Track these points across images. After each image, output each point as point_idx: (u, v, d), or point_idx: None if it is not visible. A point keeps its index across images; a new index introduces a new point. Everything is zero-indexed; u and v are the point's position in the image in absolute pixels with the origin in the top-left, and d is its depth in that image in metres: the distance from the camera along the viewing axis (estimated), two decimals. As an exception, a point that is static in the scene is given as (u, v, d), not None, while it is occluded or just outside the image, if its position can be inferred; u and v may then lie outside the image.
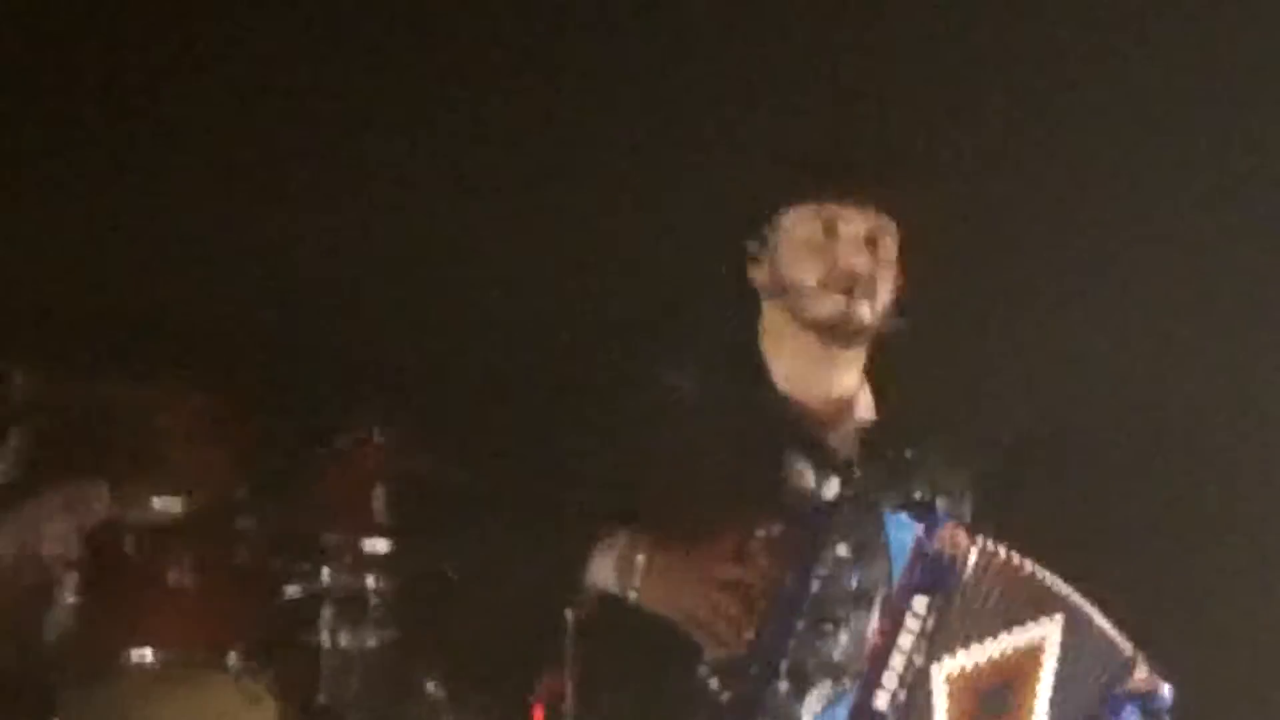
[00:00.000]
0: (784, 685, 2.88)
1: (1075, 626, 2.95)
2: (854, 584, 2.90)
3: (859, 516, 2.94)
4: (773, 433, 3.16)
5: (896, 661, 2.90)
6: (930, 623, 2.90)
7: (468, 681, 4.26)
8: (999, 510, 3.29)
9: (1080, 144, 4.51)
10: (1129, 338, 4.49)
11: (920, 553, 2.92)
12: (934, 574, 2.92)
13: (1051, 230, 4.54)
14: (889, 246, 3.22)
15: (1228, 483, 4.51)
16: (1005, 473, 3.49)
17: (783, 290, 3.22)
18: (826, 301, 3.17)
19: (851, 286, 3.16)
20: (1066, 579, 3.00)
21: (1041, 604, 2.96)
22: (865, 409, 3.28)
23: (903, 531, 2.93)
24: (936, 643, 2.91)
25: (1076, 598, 2.98)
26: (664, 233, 4.42)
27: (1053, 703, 2.93)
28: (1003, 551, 2.95)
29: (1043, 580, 2.96)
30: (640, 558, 3.03)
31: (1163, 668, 3.03)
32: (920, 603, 2.91)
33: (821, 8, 4.50)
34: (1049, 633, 2.94)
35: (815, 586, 2.90)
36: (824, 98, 4.43)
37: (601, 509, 3.10)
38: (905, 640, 2.90)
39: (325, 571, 4.18)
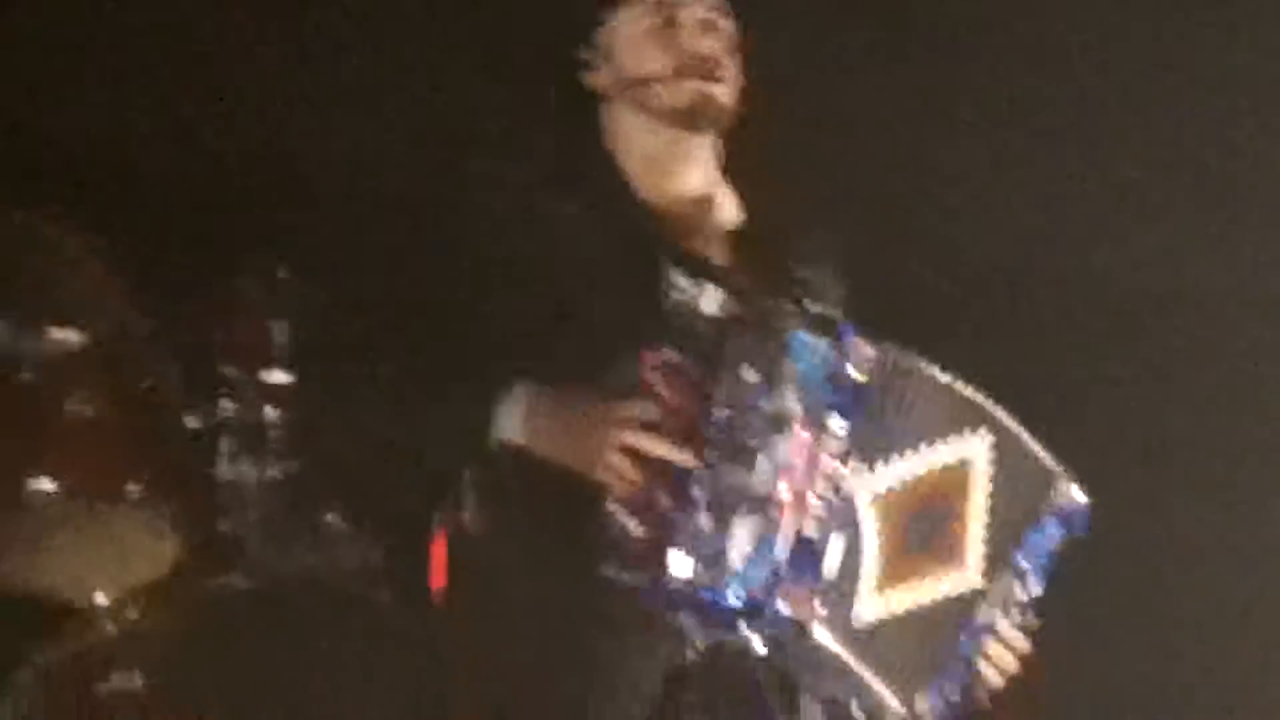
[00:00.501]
0: (704, 519, 2.76)
1: (1002, 443, 2.85)
2: (765, 409, 2.78)
3: (760, 337, 2.81)
4: (643, 244, 3.04)
5: (818, 484, 2.79)
6: (848, 442, 2.80)
7: (368, 514, 4.29)
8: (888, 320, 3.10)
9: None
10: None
11: (831, 371, 2.81)
12: (846, 392, 2.81)
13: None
14: (729, 28, 3.14)
15: (1130, 302, 4.48)
16: (882, 278, 3.35)
17: (628, 87, 3.12)
18: (682, 88, 3.09)
19: (703, 70, 3.08)
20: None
21: (964, 418, 2.84)
22: (729, 209, 3.18)
23: (809, 351, 2.80)
24: (859, 462, 2.81)
25: (1001, 413, 2.87)
26: (496, 48, 4.34)
27: (987, 527, 2.85)
28: (916, 362, 2.85)
29: (963, 392, 2.85)
30: (541, 411, 2.96)
31: (1080, 482, 2.92)
32: (837, 422, 2.80)
33: None
34: (976, 450, 2.84)
35: (720, 413, 2.78)
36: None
37: (491, 345, 3.01)
38: (825, 462, 2.79)
39: (225, 403, 4.18)
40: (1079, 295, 4.48)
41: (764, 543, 2.75)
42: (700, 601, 2.76)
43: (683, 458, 2.77)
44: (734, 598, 2.75)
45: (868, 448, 2.80)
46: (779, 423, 2.76)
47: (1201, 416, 4.47)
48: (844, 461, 2.79)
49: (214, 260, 4.38)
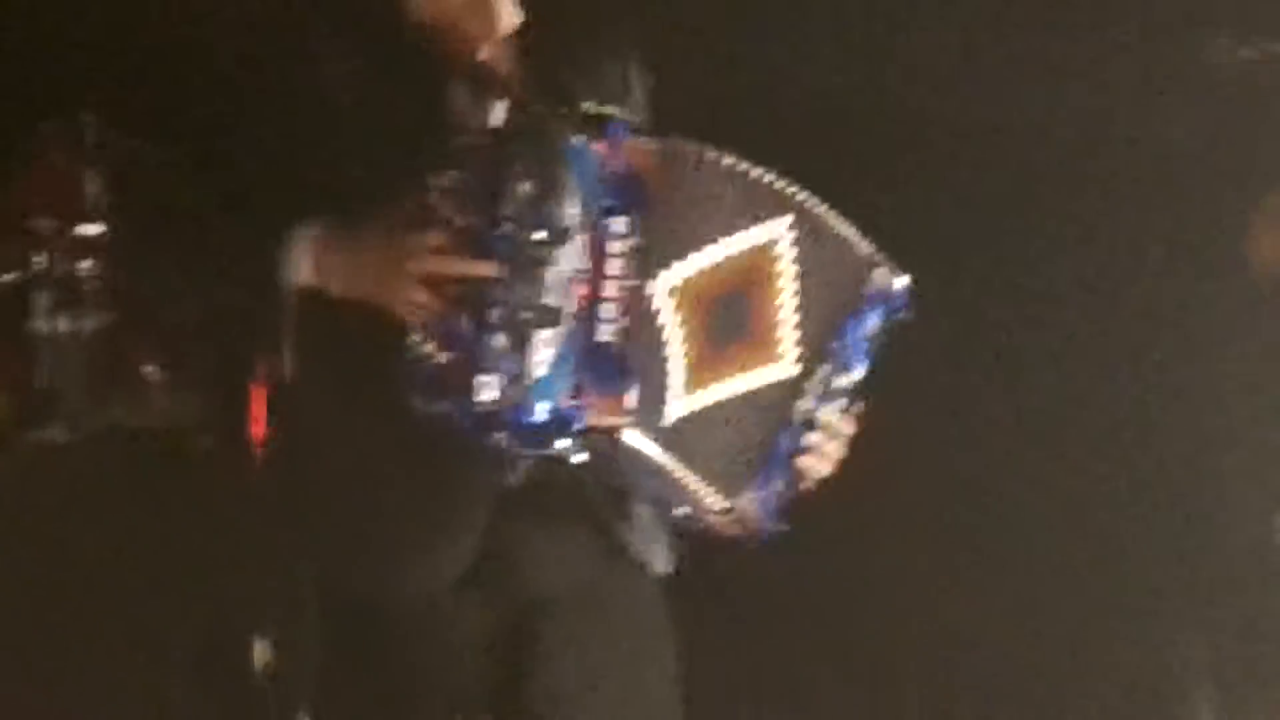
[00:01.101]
0: (500, 339, 2.69)
1: (809, 227, 2.76)
2: (547, 220, 2.69)
3: (536, 148, 2.71)
4: (421, 60, 2.90)
5: (609, 288, 2.72)
6: (634, 242, 2.72)
7: (186, 365, 4.28)
8: (679, 111, 2.99)
9: None
10: None
11: (607, 173, 2.72)
12: (626, 191, 2.72)
13: None
14: None
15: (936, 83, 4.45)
16: (674, 67, 3.18)
17: None
18: None
19: None
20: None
21: (765, 205, 2.75)
22: (509, 14, 2.95)
23: (583, 154, 2.71)
24: (649, 260, 2.72)
25: (805, 195, 2.76)
26: None
27: (799, 313, 2.76)
28: (698, 150, 2.74)
29: (757, 177, 2.75)
30: (331, 250, 2.83)
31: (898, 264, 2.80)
32: (620, 223, 2.72)
33: None
34: (777, 233, 2.75)
35: (506, 229, 2.69)
36: None
37: (280, 186, 2.86)
38: (613, 265, 2.72)
39: (39, 257, 4.15)
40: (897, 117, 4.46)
41: (561, 355, 2.70)
42: (509, 421, 2.70)
43: (479, 273, 2.69)
44: (540, 413, 2.70)
45: (660, 244, 2.73)
46: (561, 232, 2.69)
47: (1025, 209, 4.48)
48: (633, 261, 2.72)
49: (19, 110, 4.31)
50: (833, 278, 2.77)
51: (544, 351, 2.70)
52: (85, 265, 4.17)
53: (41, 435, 4.10)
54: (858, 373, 2.80)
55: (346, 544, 2.93)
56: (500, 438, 2.73)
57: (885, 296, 2.78)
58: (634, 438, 2.75)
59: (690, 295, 2.74)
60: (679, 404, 2.75)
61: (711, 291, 2.75)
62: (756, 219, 2.74)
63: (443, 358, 2.73)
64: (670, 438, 2.76)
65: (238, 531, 3.97)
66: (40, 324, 4.16)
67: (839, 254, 2.77)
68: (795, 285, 2.76)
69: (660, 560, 2.99)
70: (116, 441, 4.15)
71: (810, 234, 2.75)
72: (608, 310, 2.72)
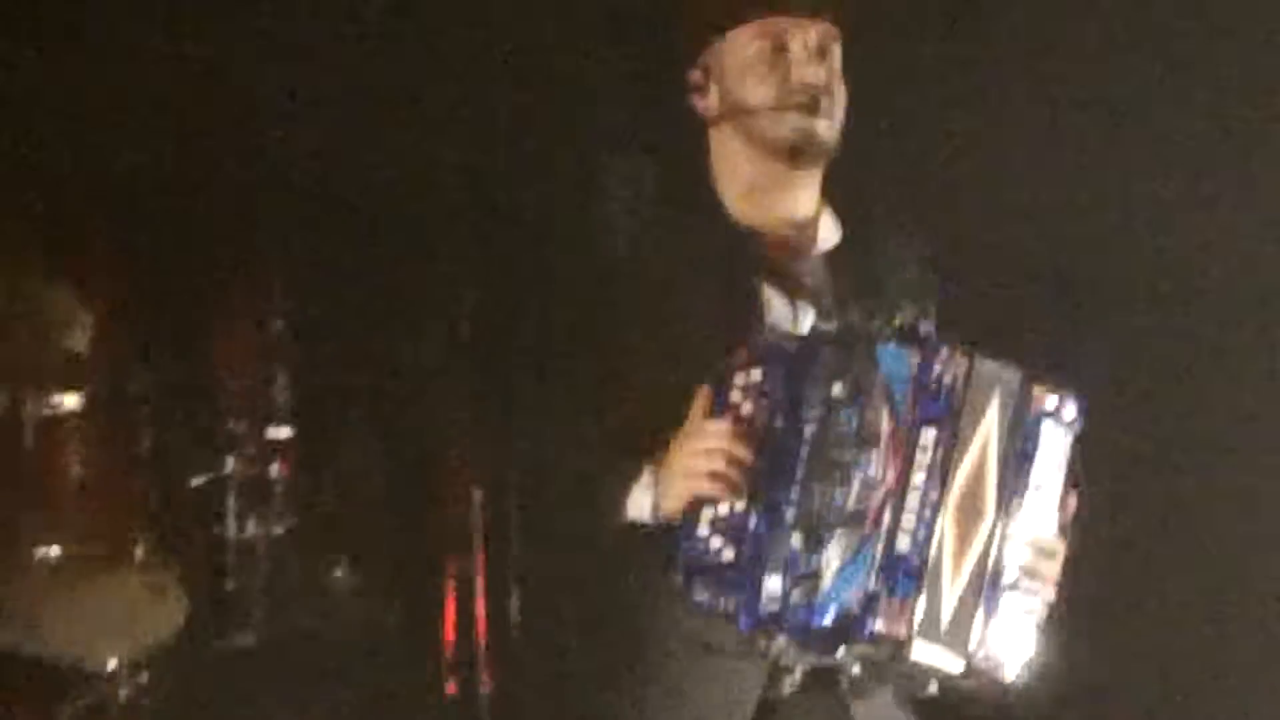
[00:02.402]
0: (796, 538, 2.73)
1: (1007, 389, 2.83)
2: (854, 425, 2.74)
3: (849, 353, 2.78)
4: (738, 267, 3.00)
5: (913, 500, 2.74)
6: (940, 454, 2.75)
7: (375, 569, 4.26)
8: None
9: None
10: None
11: (921, 384, 2.77)
12: (937, 403, 2.76)
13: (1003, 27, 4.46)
14: (838, 55, 3.08)
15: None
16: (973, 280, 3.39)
17: (734, 114, 3.06)
18: (785, 121, 3.03)
19: (809, 102, 3.01)
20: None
21: (991, 390, 2.82)
22: (829, 232, 3.11)
23: (898, 363, 2.77)
24: (947, 473, 2.75)
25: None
26: (606, 65, 4.30)
27: (998, 463, 2.80)
28: (995, 367, 2.80)
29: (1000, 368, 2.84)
30: (655, 483, 2.87)
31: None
32: (929, 435, 2.75)
33: None
34: (993, 415, 2.80)
35: (810, 431, 2.75)
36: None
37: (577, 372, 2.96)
38: (919, 477, 2.74)
39: (229, 460, 4.15)
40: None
41: (857, 560, 2.71)
42: (794, 623, 2.71)
43: (775, 468, 2.72)
44: (829, 617, 2.71)
45: (955, 457, 2.76)
46: (869, 439, 2.73)
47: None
48: (935, 472, 2.74)
49: (210, 315, 4.34)
50: (1012, 415, 2.80)
51: (839, 555, 2.73)
52: (275, 468, 4.17)
53: (231, 640, 4.07)
54: (1051, 493, 2.82)
55: None
56: (780, 641, 2.75)
57: (1051, 414, 2.81)
58: (920, 649, 2.75)
59: (960, 504, 2.77)
60: (950, 606, 2.77)
61: (967, 499, 2.78)
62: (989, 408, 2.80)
63: (729, 553, 2.76)
64: (949, 640, 2.77)
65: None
66: (230, 526, 4.15)
67: (1010, 391, 2.80)
68: (996, 447, 2.80)
69: None
70: (307, 645, 4.12)
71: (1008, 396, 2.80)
72: (908, 520, 2.74)
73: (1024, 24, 4.42)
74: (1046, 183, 4.40)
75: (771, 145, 3.03)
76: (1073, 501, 2.88)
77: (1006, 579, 2.80)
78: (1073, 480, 2.86)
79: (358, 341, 4.14)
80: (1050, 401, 2.81)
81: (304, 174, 4.41)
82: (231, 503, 4.15)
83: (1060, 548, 2.86)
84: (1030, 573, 2.82)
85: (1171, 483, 4.38)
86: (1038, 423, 2.80)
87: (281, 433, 4.18)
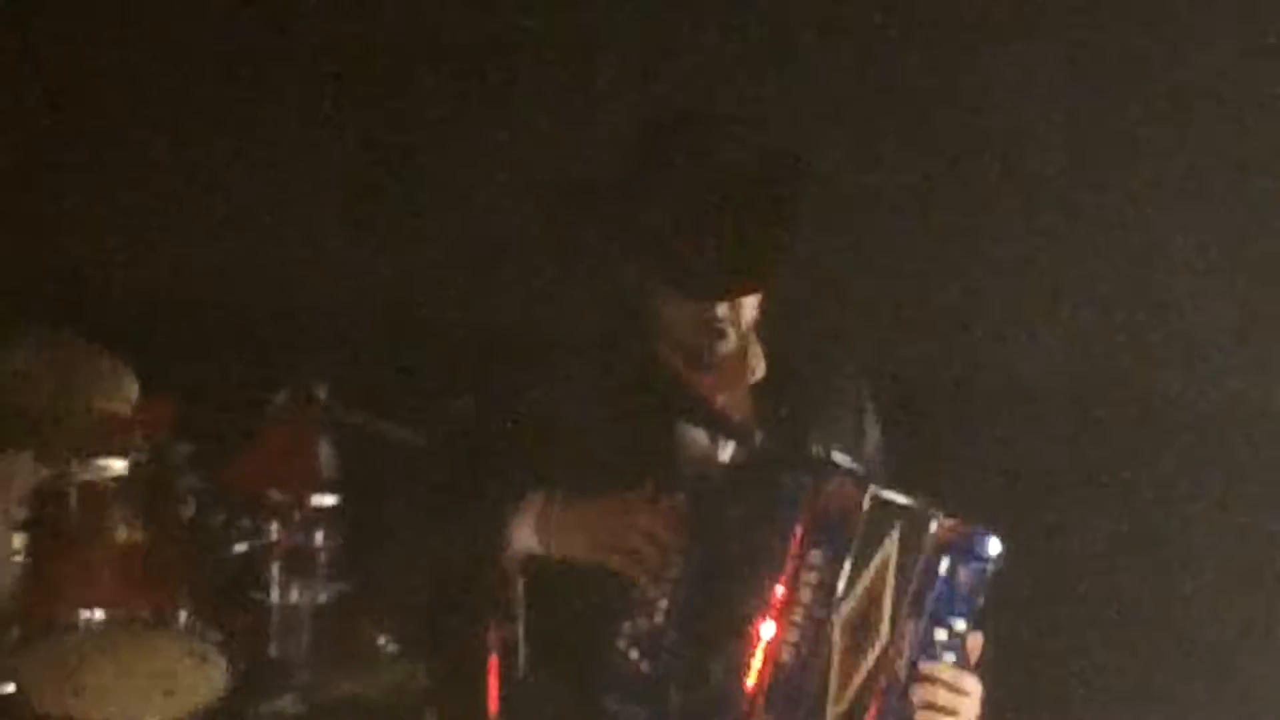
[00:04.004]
0: (692, 650, 2.99)
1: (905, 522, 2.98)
2: (753, 543, 2.97)
3: (756, 481, 3.01)
4: (662, 403, 3.21)
5: (797, 615, 2.95)
6: (827, 575, 2.95)
7: (418, 636, 4.25)
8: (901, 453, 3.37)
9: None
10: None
11: (812, 509, 2.97)
12: (827, 528, 2.96)
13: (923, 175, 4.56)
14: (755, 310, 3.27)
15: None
16: (903, 415, 3.52)
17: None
18: (692, 342, 3.25)
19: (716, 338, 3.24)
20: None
21: (890, 522, 2.99)
22: (756, 365, 3.30)
23: (795, 489, 2.99)
24: (834, 593, 2.96)
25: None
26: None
27: (895, 591, 2.96)
28: (893, 496, 2.98)
29: (892, 499, 3.00)
30: (555, 513, 3.12)
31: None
32: (816, 556, 2.96)
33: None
34: (891, 548, 2.98)
35: (714, 550, 2.98)
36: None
37: (514, 475, 3.18)
38: (805, 594, 2.95)
39: (273, 527, 4.15)
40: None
41: (744, 672, 2.93)
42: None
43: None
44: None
45: (844, 580, 2.95)
46: (764, 556, 2.94)
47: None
48: (821, 592, 2.95)
49: (253, 381, 4.36)
50: (910, 546, 2.97)
51: (728, 662, 2.94)
52: (319, 536, 4.17)
53: (274, 707, 4.06)
54: (957, 625, 2.95)
55: None
56: None
57: (957, 549, 2.94)
58: None
59: (849, 624, 2.96)
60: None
61: (856, 618, 2.95)
62: (887, 538, 2.97)
63: (645, 665, 3.00)
64: None
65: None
66: (273, 594, 4.15)
67: (911, 523, 2.97)
68: (894, 576, 2.96)
69: None
70: (349, 713, 4.10)
71: (908, 528, 2.95)
72: (791, 633, 2.96)
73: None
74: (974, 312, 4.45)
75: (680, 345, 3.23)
76: (976, 641, 2.99)
77: (903, 707, 2.92)
78: (978, 619, 2.97)
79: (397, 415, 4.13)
80: (958, 537, 2.94)
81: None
82: (275, 570, 4.15)
83: (972, 687, 2.96)
84: (931, 706, 2.93)
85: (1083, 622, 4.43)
86: (939, 557, 2.93)
87: (326, 500, 4.18)
